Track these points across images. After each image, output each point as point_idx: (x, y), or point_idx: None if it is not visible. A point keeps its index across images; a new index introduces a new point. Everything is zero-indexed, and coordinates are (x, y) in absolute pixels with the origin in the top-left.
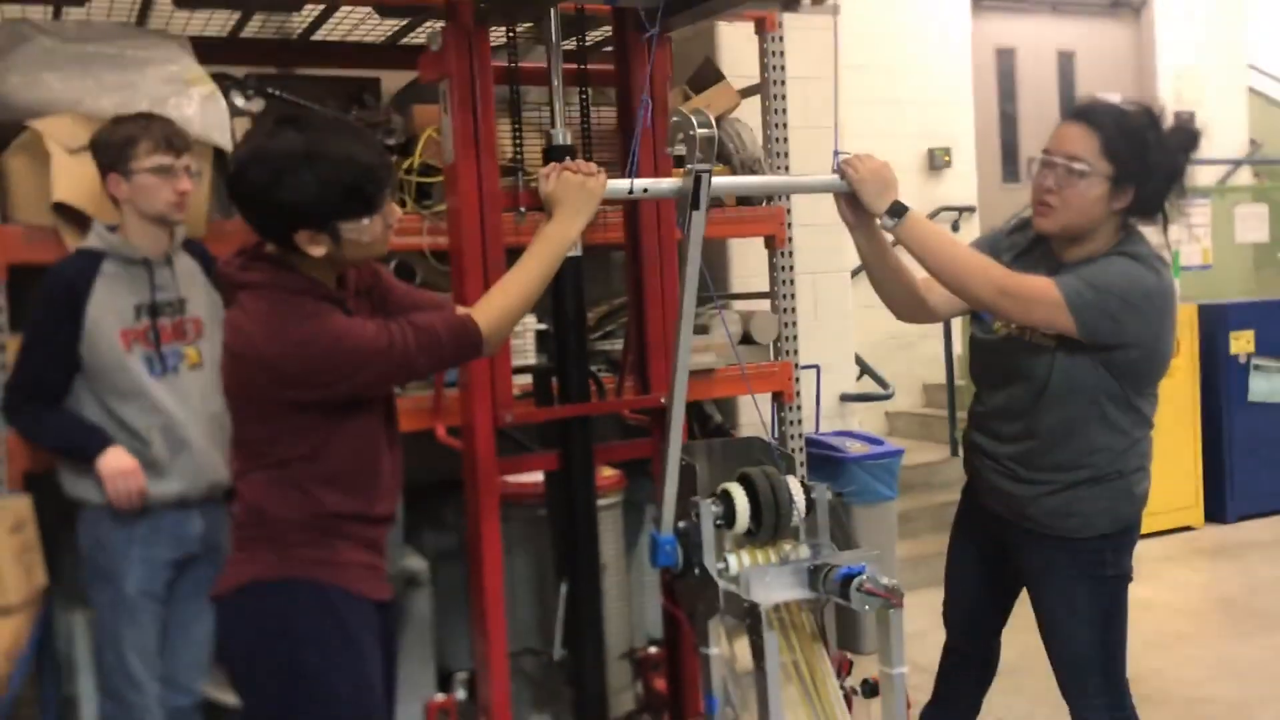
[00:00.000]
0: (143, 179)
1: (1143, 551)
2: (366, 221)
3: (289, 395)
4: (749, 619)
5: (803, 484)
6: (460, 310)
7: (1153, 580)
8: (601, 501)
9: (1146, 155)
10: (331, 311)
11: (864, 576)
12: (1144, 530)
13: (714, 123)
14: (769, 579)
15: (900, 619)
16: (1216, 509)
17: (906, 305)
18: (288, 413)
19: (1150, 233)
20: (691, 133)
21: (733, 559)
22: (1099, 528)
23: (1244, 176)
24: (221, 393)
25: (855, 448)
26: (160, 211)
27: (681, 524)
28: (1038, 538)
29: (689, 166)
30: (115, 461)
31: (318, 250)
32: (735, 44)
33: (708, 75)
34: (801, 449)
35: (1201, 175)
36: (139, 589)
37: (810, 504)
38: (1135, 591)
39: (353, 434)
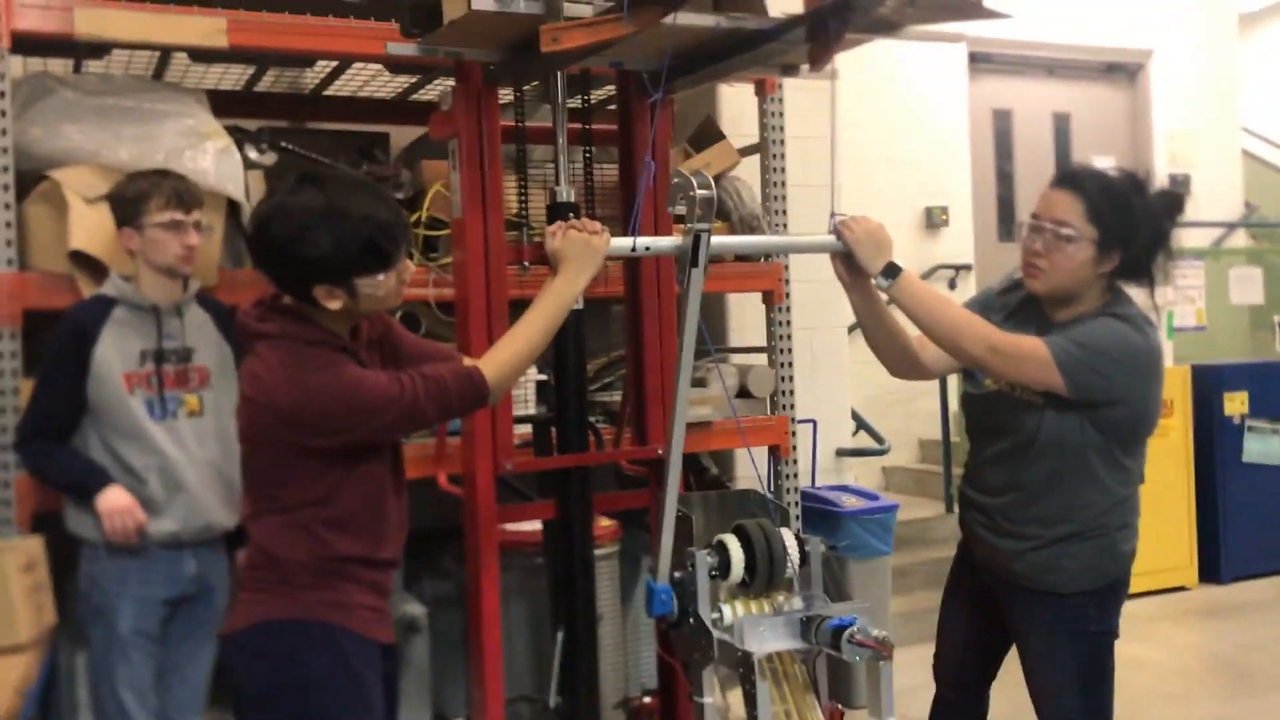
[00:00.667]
0: (153, 233)
1: (1136, 610)
2: (382, 277)
3: (302, 441)
4: (742, 668)
5: (797, 537)
6: (467, 362)
7: (1145, 640)
8: (598, 551)
9: (1131, 219)
10: (345, 362)
11: (855, 628)
12: (1137, 589)
13: (713, 183)
14: (762, 629)
15: (890, 671)
16: (1210, 570)
17: (901, 362)
18: (300, 458)
19: (1139, 294)
20: (692, 193)
21: (727, 609)
22: (1083, 584)
23: (1239, 239)
24: (220, 441)
25: (851, 502)
26: (169, 264)
27: (677, 574)
28: (1023, 592)
29: (689, 226)
30: (113, 499)
31: (334, 304)
32: (735, 103)
33: (708, 134)
34: (797, 503)
35: (1196, 237)
36: (132, 627)
37: (804, 556)
38: (1127, 650)
39: (362, 480)
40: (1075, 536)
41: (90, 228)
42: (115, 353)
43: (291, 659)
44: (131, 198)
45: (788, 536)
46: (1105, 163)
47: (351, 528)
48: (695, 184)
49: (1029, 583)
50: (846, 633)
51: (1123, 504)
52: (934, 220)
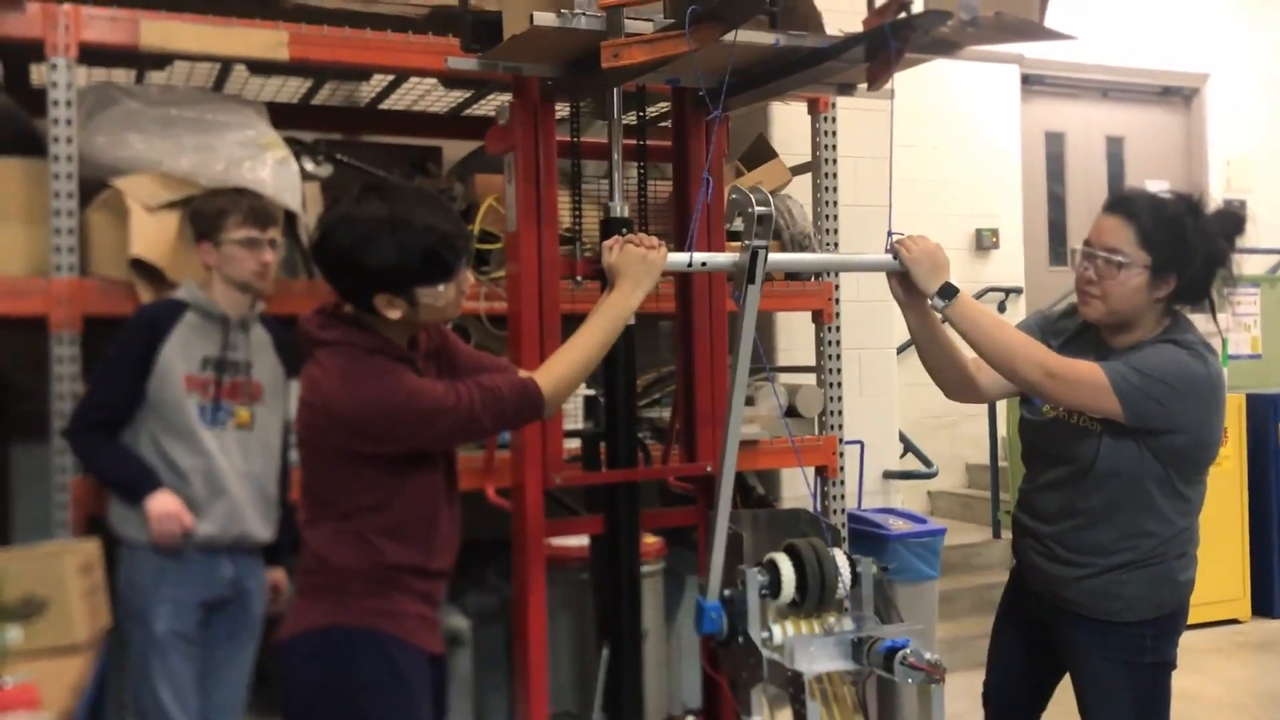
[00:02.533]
0: (230, 249)
1: (1187, 642)
2: (442, 288)
3: (359, 447)
4: (792, 688)
5: (849, 557)
6: (523, 374)
7: (1196, 672)
8: (643, 568)
9: (1185, 243)
10: (403, 370)
11: (908, 650)
12: (1189, 621)
13: (770, 200)
14: (813, 649)
15: (942, 695)
16: (1264, 603)
17: (956, 384)
18: (356, 464)
19: (1199, 319)
20: (750, 210)
21: (776, 629)
22: (1140, 613)
23: None
24: (263, 456)
25: (898, 525)
26: (244, 279)
27: (727, 592)
28: (1079, 620)
29: (746, 243)
30: (163, 504)
31: (394, 313)
32: (788, 121)
33: (760, 151)
34: (844, 524)
35: (1251, 264)
36: (168, 627)
37: (855, 577)
38: (1178, 682)
39: (416, 488)
40: (1132, 565)
41: (150, 236)
42: (180, 354)
43: (341, 665)
44: (211, 214)
45: (839, 557)
46: (1159, 187)
47: (404, 536)
48: (754, 201)
49: (1084, 610)
50: (899, 655)
51: (1182, 533)
52: (984, 242)
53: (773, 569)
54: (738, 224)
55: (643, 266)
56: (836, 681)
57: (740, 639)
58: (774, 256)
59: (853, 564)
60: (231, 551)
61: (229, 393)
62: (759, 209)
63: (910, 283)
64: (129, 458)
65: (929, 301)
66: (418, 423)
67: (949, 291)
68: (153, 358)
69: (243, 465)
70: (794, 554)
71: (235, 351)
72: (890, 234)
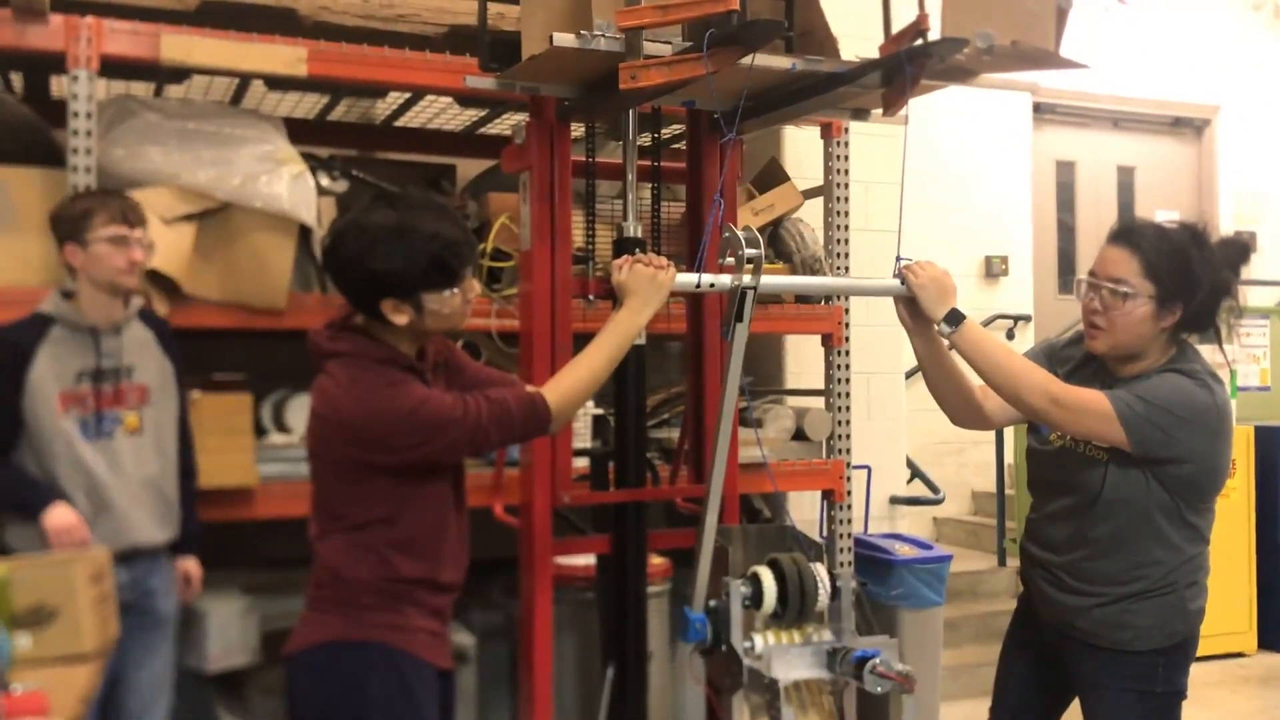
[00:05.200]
0: (98, 248)
1: (1192, 675)
2: (448, 293)
3: (368, 458)
4: (769, 694)
5: (829, 572)
6: (530, 388)
7: (1201, 705)
8: (650, 589)
9: (1190, 272)
10: (411, 381)
11: (877, 660)
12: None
13: (761, 240)
14: (790, 657)
15: (913, 704)
16: (1271, 636)
17: (962, 410)
18: (367, 476)
19: (1206, 350)
20: (740, 251)
21: (759, 638)
22: (1151, 642)
23: None
24: (159, 457)
25: (904, 550)
26: (111, 278)
27: (712, 602)
28: (1089, 648)
29: (735, 283)
30: (60, 518)
31: (401, 319)
32: (800, 144)
33: (773, 175)
34: (850, 548)
35: (1261, 296)
36: None
37: (835, 591)
38: (1184, 715)
39: (426, 501)
40: (1142, 594)
41: (167, 248)
42: (51, 373)
43: (352, 679)
44: (75, 216)
45: (820, 571)
46: (1169, 217)
47: (415, 549)
48: (743, 241)
49: (1095, 639)
50: (869, 664)
51: (1191, 561)
52: (993, 270)
53: (755, 581)
54: (730, 262)
55: (651, 286)
56: (815, 690)
57: (724, 648)
58: (781, 279)
59: (833, 578)
60: (126, 560)
61: (111, 401)
62: (749, 250)
63: (917, 308)
64: (21, 477)
65: (935, 327)
66: (425, 432)
67: (955, 318)
68: (22, 382)
69: (136, 472)
70: (776, 567)
71: (110, 359)
72: (898, 259)
